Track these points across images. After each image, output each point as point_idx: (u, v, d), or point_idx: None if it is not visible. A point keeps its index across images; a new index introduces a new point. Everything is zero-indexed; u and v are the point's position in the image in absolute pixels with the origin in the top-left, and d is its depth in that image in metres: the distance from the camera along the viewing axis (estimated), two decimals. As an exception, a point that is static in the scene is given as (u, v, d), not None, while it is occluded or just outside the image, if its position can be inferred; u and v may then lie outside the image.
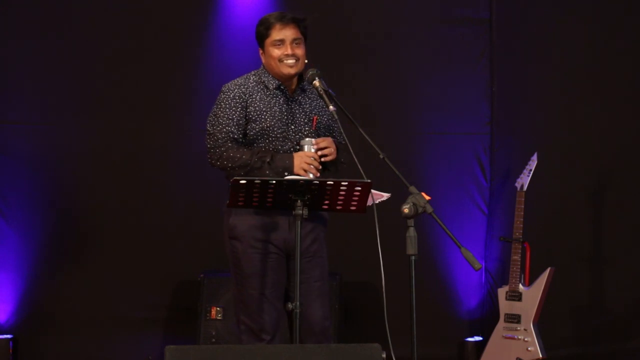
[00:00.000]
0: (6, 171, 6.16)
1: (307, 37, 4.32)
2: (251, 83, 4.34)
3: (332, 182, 3.95)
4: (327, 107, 4.14)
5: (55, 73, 6.20)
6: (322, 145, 4.22)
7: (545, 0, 6.46)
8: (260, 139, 4.29)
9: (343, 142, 4.32)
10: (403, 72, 6.43)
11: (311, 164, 4.17)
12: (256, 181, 3.95)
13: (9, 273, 6.12)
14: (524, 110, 6.48)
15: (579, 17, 6.35)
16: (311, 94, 4.36)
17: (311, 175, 4.13)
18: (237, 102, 4.31)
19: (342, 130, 4.29)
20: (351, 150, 4.12)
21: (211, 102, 6.28)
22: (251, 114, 4.30)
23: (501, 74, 6.50)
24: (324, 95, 4.15)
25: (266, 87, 4.32)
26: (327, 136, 4.33)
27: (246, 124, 4.31)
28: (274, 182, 3.96)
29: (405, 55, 6.47)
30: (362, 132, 4.21)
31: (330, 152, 4.21)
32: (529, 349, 5.78)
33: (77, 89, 6.24)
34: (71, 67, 6.22)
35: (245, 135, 4.31)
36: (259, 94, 4.32)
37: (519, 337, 5.82)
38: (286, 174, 4.17)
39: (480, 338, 6.34)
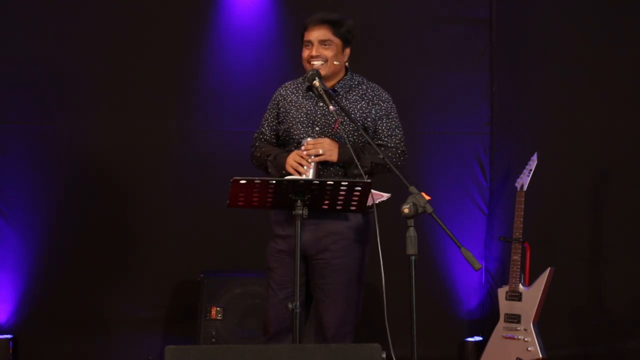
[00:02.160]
0: (6, 171, 6.15)
1: (348, 39, 4.33)
2: (295, 84, 4.41)
3: (332, 182, 3.95)
4: (327, 107, 4.15)
5: (55, 73, 6.20)
6: (310, 146, 4.19)
7: (545, 0, 6.46)
8: (288, 140, 4.34)
9: (390, 144, 4.32)
10: (403, 72, 6.43)
11: (300, 162, 4.16)
12: (256, 181, 3.95)
13: (9, 273, 6.12)
14: (524, 110, 6.48)
15: (579, 17, 6.35)
16: (354, 95, 4.35)
17: (303, 175, 4.12)
18: (273, 104, 4.44)
19: (392, 133, 4.33)
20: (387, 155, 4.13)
21: (212, 102, 6.35)
22: (281, 116, 4.38)
23: (501, 74, 6.50)
24: (324, 95, 4.15)
25: (303, 88, 4.37)
26: (361, 138, 4.27)
27: (278, 125, 4.39)
28: (274, 182, 3.96)
29: (405, 55, 6.47)
30: (362, 132, 4.21)
31: (317, 151, 4.18)
32: (529, 349, 5.78)
33: (77, 88, 6.24)
34: (71, 67, 6.21)
35: (278, 136, 4.40)
36: (294, 95, 4.37)
37: (519, 337, 5.82)
38: (284, 172, 4.19)
39: (480, 338, 6.35)
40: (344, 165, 4.24)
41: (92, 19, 6.22)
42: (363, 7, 6.33)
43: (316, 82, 4.19)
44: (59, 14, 6.20)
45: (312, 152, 4.17)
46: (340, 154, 4.21)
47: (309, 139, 4.21)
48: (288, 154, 4.24)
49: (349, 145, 4.15)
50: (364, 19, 6.27)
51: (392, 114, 4.39)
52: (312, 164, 4.16)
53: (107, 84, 6.26)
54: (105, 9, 6.23)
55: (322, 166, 4.22)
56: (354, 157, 4.11)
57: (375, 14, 6.42)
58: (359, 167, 4.10)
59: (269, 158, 4.31)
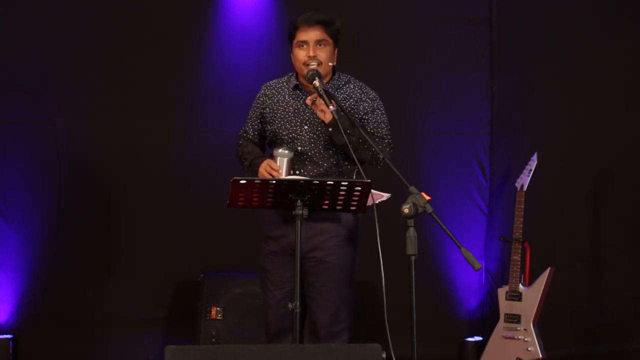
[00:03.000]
0: (6, 171, 6.16)
1: (337, 39, 4.34)
2: (280, 84, 4.41)
3: (332, 182, 3.95)
4: (327, 107, 4.14)
5: (55, 73, 6.20)
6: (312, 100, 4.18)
7: (545, 0, 6.46)
8: (275, 141, 4.34)
9: (376, 134, 4.31)
10: (403, 72, 6.43)
11: (270, 173, 4.16)
12: (256, 181, 3.96)
13: (9, 273, 6.12)
14: (524, 110, 6.48)
15: (578, 17, 6.35)
16: (341, 93, 4.36)
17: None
18: (258, 103, 4.44)
19: (379, 127, 4.32)
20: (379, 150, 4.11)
21: (211, 101, 6.35)
22: (266, 116, 4.38)
23: (501, 74, 6.50)
24: (324, 95, 4.15)
25: (289, 87, 4.37)
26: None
27: (264, 125, 4.39)
28: (274, 182, 3.97)
29: (405, 55, 6.47)
30: (362, 132, 4.21)
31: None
32: (529, 349, 5.78)
33: (77, 88, 6.24)
34: (71, 67, 6.22)
35: (262, 137, 4.41)
36: (280, 95, 4.38)
37: (519, 337, 5.82)
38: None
39: (480, 338, 6.35)
40: (332, 129, 4.17)
41: (92, 19, 6.23)
42: (363, 7, 6.34)
43: (316, 82, 4.18)
44: (59, 14, 6.20)
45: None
46: (332, 115, 4.14)
47: (284, 152, 4.20)
48: (262, 161, 4.24)
49: (343, 114, 4.14)
50: (364, 19, 6.30)
51: (378, 110, 4.39)
52: (284, 169, 4.17)
53: (107, 84, 6.26)
54: (105, 9, 6.23)
55: (299, 172, 4.24)
56: (349, 122, 4.11)
57: (375, 14, 6.42)
58: (354, 130, 4.09)
59: (245, 162, 4.37)
